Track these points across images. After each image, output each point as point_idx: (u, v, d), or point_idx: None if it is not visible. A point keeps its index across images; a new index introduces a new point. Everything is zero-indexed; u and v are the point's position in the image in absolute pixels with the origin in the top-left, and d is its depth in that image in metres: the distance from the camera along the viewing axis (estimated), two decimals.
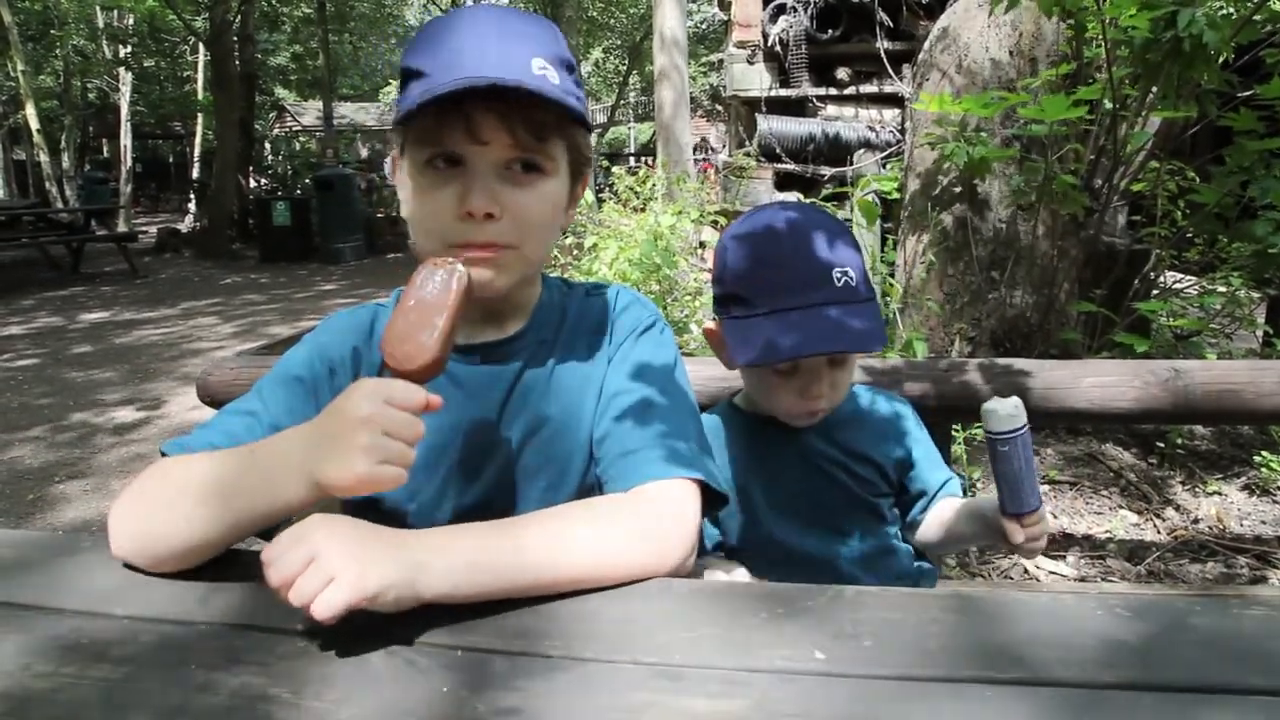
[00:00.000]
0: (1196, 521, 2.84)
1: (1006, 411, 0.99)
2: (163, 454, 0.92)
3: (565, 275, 1.16)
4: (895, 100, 6.40)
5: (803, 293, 1.04)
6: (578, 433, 1.01)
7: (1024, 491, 1.03)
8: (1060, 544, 2.69)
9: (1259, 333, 3.69)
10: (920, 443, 1.25)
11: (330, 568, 0.68)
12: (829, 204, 4.48)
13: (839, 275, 1.05)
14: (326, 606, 0.67)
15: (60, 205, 16.27)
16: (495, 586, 0.76)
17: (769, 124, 6.39)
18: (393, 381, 0.79)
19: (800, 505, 1.20)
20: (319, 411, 1.00)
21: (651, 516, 0.87)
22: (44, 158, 17.18)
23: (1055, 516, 2.85)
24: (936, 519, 1.25)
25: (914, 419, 1.28)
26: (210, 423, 0.97)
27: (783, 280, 1.06)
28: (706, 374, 1.74)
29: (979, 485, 2.98)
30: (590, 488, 1.00)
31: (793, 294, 1.05)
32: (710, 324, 1.20)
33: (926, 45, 3.89)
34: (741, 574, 1.25)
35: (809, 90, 6.62)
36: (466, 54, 0.87)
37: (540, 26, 0.95)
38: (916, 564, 1.28)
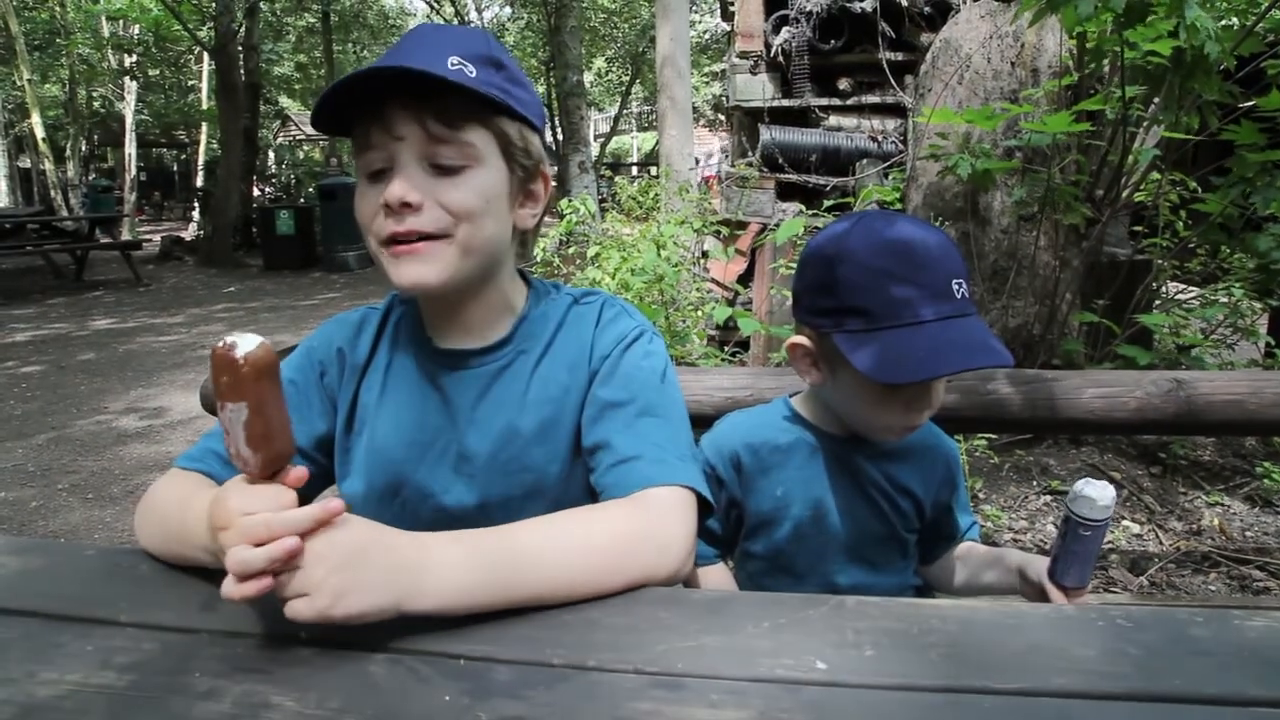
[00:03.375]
0: (1199, 532, 2.83)
1: (1104, 502, 0.97)
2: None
3: (568, 283, 1.16)
4: (898, 110, 6.41)
5: (931, 305, 1.00)
6: (557, 443, 1.01)
7: (1085, 571, 1.03)
8: None
9: (1261, 344, 3.68)
10: (959, 485, 1.24)
11: (310, 582, 0.68)
12: (831, 215, 4.49)
13: (957, 286, 1.01)
14: (294, 614, 0.68)
15: (65, 213, 16.35)
16: (490, 602, 0.76)
17: (772, 134, 6.40)
18: (245, 491, 0.72)
19: (837, 526, 1.18)
20: (315, 413, 1.04)
21: (650, 521, 0.88)
22: (49, 166, 17.27)
23: (1057, 527, 2.84)
24: (957, 561, 1.25)
25: (959, 460, 1.25)
26: (213, 430, 0.99)
27: (911, 293, 1.00)
28: (710, 384, 1.75)
29: (980, 494, 2.98)
30: (573, 498, 1.01)
31: (922, 307, 1.00)
32: (799, 339, 1.13)
33: (928, 57, 3.90)
34: (723, 571, 1.25)
35: (811, 100, 6.62)
36: (389, 53, 0.92)
37: (468, 32, 0.98)
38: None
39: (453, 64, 0.89)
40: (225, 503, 0.71)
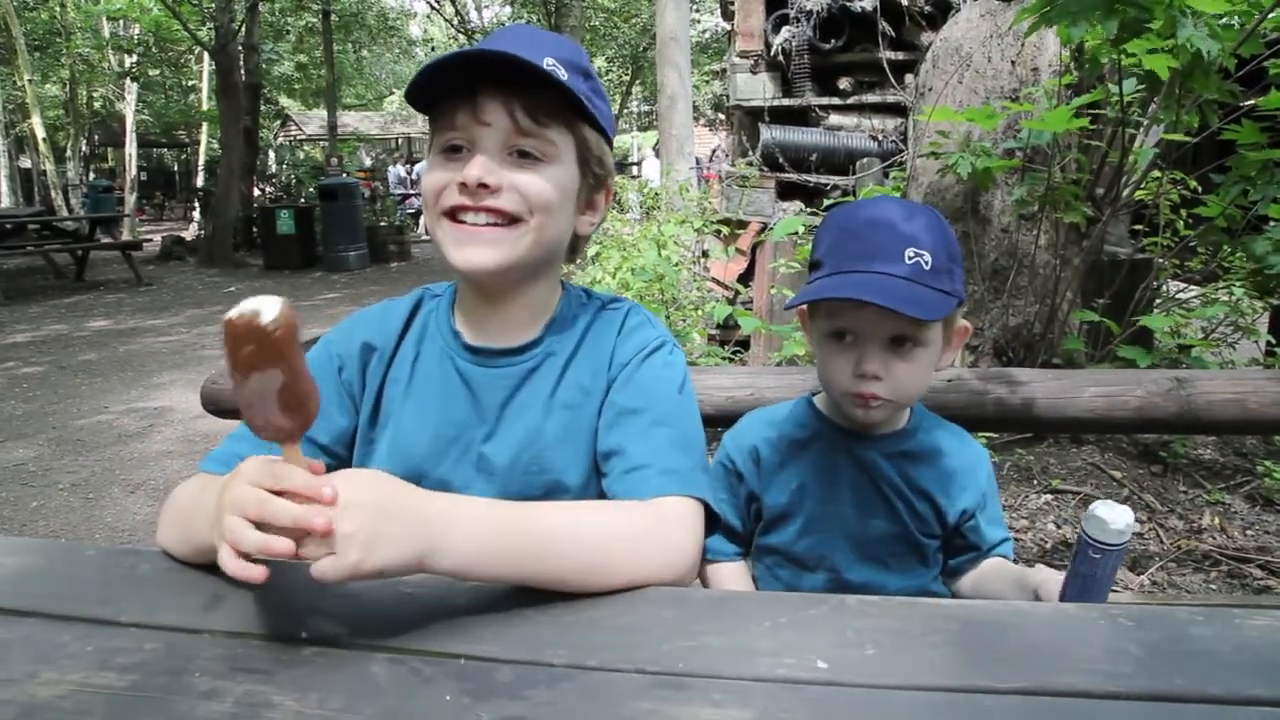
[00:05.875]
0: (1200, 531, 2.83)
1: (1117, 526, 0.92)
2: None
3: (569, 281, 1.17)
4: (898, 109, 6.41)
5: (868, 260, 1.05)
6: (577, 445, 1.03)
7: (1096, 596, 0.98)
8: (1064, 554, 2.68)
9: (1261, 342, 3.68)
10: (987, 496, 1.22)
11: (337, 540, 0.68)
12: None
13: (911, 254, 1.04)
14: (321, 575, 0.68)
15: (65, 213, 16.33)
16: (508, 573, 0.78)
17: (772, 133, 6.41)
18: (268, 464, 0.72)
19: (848, 521, 1.19)
20: (334, 408, 1.05)
21: (659, 525, 0.89)
22: (49, 166, 17.28)
23: (1058, 527, 2.84)
24: (981, 576, 1.23)
25: (988, 471, 1.24)
26: (236, 432, 1.02)
27: (853, 247, 1.07)
28: (711, 383, 1.75)
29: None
30: (590, 500, 1.02)
31: (859, 259, 1.06)
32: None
33: (929, 56, 3.90)
34: (739, 570, 1.25)
35: (812, 100, 6.63)
36: (485, 43, 0.95)
37: (562, 39, 1.03)
38: None
39: (548, 63, 0.93)
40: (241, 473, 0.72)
